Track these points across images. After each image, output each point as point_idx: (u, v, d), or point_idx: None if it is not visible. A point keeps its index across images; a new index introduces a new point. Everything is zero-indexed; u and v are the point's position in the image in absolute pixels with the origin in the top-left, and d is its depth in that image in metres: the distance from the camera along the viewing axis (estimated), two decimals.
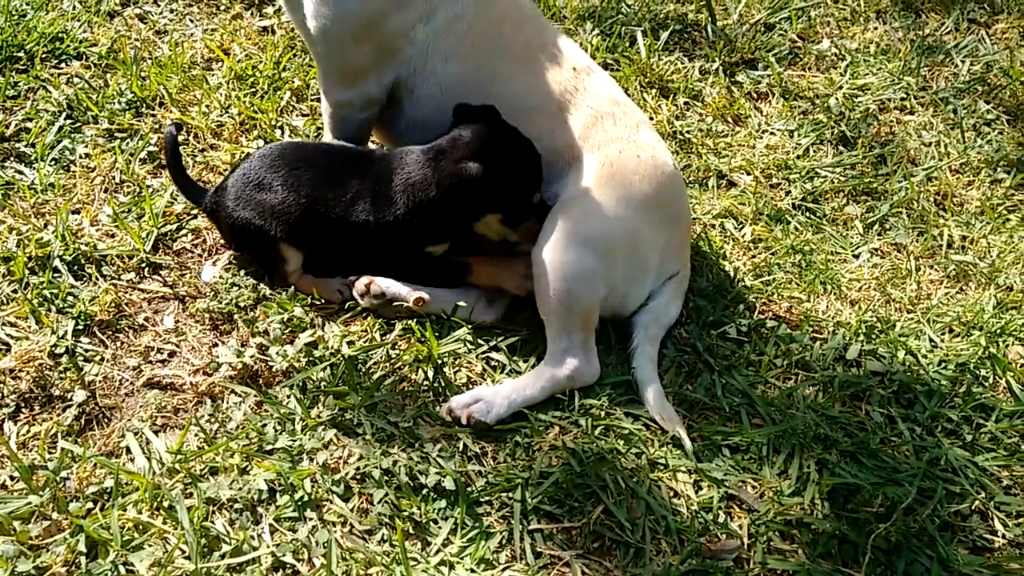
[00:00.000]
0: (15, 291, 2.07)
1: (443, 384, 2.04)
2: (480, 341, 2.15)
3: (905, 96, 3.19)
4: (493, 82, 2.15)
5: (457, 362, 2.10)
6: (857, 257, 2.58)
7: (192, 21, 3.05)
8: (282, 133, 2.66)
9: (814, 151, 2.93)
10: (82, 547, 1.64)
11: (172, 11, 3.08)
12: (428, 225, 2.07)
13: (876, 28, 3.53)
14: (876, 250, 2.61)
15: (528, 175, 2.07)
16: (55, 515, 1.69)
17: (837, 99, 3.11)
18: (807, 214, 2.70)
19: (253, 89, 2.78)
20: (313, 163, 2.12)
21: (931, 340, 2.33)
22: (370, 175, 2.09)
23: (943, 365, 2.26)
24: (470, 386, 2.05)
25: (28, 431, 1.84)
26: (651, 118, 2.91)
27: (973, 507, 1.95)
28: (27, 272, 2.11)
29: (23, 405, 1.88)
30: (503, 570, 1.73)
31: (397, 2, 2.08)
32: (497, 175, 2.00)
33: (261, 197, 2.09)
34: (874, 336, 2.31)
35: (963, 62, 3.38)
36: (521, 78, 2.16)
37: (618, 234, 2.07)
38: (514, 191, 2.06)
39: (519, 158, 2.05)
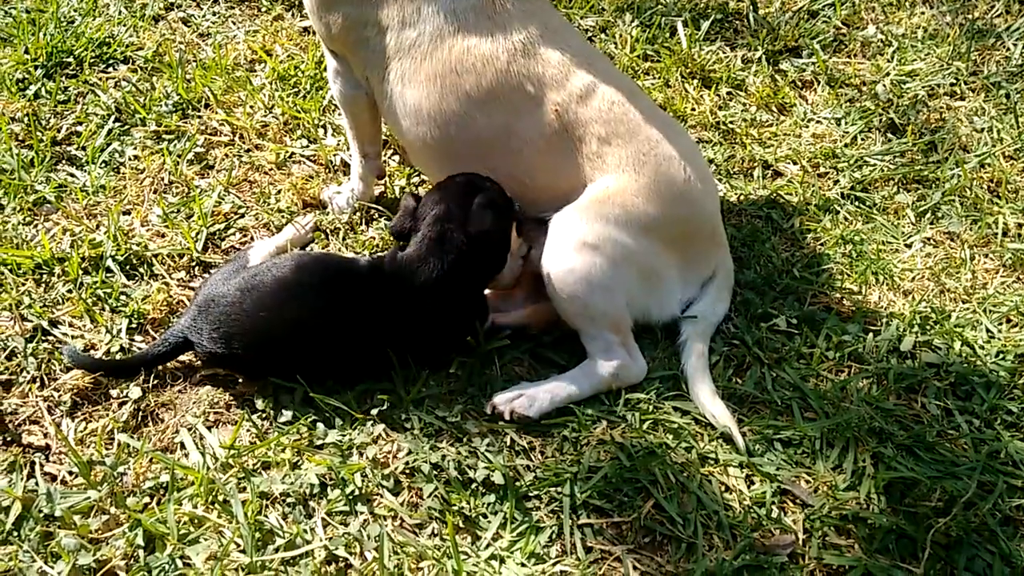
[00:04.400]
0: (70, 291, 2.12)
1: (489, 379, 2.04)
2: (526, 336, 2.14)
3: (955, 81, 3.12)
4: (460, 124, 2.07)
5: (503, 358, 2.09)
6: (909, 247, 2.52)
7: (234, 23, 3.09)
8: (325, 132, 2.68)
9: (862, 139, 2.87)
10: (140, 541, 1.67)
11: (215, 14, 3.12)
12: (490, 268, 2.06)
13: (923, 12, 3.45)
14: (929, 239, 2.55)
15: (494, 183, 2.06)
16: (113, 509, 1.72)
17: (885, 86, 3.05)
18: (856, 203, 2.64)
19: (296, 89, 2.81)
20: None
21: (988, 330, 2.27)
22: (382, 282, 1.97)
23: (1001, 356, 2.20)
24: (516, 381, 2.04)
25: (86, 428, 1.88)
26: (693, 109, 2.88)
27: None
28: (81, 272, 2.16)
29: (80, 402, 1.92)
30: (554, 564, 1.73)
31: None
32: (499, 196, 2.01)
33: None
34: (929, 327, 2.26)
35: (1015, 45, 3.28)
36: (492, 120, 2.06)
37: (620, 248, 1.99)
38: (508, 199, 2.05)
39: (482, 178, 2.05)
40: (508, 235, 2.04)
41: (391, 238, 2.33)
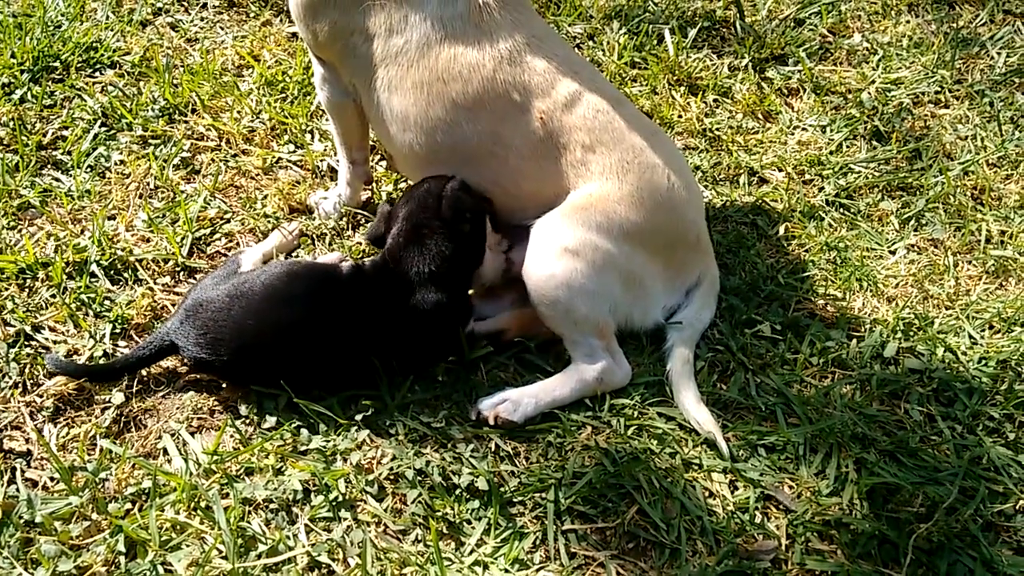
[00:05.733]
0: (54, 296, 2.11)
1: (474, 385, 2.04)
2: (511, 343, 2.14)
3: (939, 89, 3.14)
4: (446, 131, 2.07)
5: (488, 363, 2.09)
6: (893, 253, 2.54)
7: (222, 28, 3.09)
8: (312, 137, 2.68)
9: (847, 146, 2.89)
10: (121, 547, 1.66)
11: (203, 19, 3.12)
12: (469, 255, 2.06)
13: (908, 21, 3.47)
14: (913, 246, 2.57)
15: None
16: (95, 515, 1.71)
17: (870, 94, 3.07)
18: (841, 210, 2.66)
19: (283, 95, 2.81)
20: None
21: (971, 337, 2.28)
22: (362, 290, 1.98)
23: (983, 362, 2.21)
24: (502, 387, 2.04)
25: (68, 433, 1.87)
26: (679, 116, 2.90)
27: (1017, 507, 1.91)
28: (65, 277, 2.15)
29: (63, 407, 1.91)
30: (537, 570, 1.73)
31: (336, 0, 2.08)
32: (463, 189, 2.04)
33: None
34: (912, 333, 2.27)
35: (999, 54, 3.32)
36: (478, 127, 2.06)
37: (601, 254, 2.00)
38: (478, 196, 2.07)
39: (449, 176, 2.07)
40: (482, 219, 2.05)
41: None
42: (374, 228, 2.08)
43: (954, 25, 3.45)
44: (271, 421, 1.91)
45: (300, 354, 1.91)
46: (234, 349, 1.88)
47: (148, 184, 2.46)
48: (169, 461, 1.84)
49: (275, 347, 1.90)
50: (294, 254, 2.31)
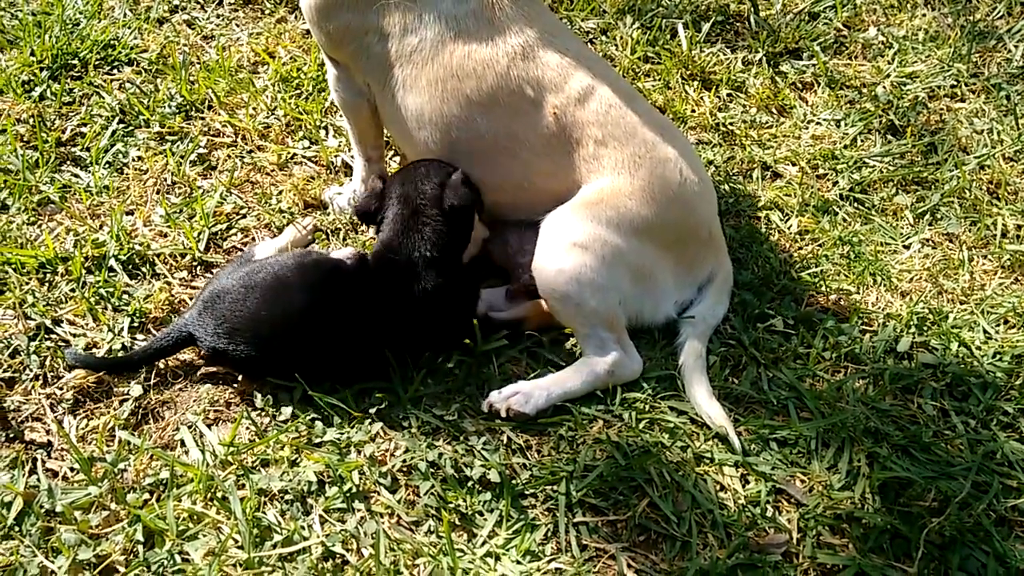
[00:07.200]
0: (73, 290, 2.14)
1: (487, 378, 2.06)
2: (523, 336, 2.15)
3: (955, 83, 3.12)
4: (461, 127, 2.09)
5: (500, 357, 2.10)
6: (908, 248, 2.53)
7: (238, 26, 3.12)
8: (326, 133, 2.70)
9: (861, 141, 2.88)
10: (139, 536, 1.69)
11: (219, 16, 3.15)
12: (459, 242, 2.09)
13: (924, 14, 3.45)
14: (927, 240, 2.56)
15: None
16: (114, 505, 1.74)
17: (885, 87, 3.05)
18: (855, 205, 2.65)
19: (298, 91, 2.83)
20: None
21: (985, 331, 2.27)
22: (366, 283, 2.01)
23: (998, 357, 2.20)
24: (514, 380, 2.05)
25: (87, 424, 1.90)
26: (693, 111, 2.89)
27: None
28: (84, 272, 2.18)
29: (82, 399, 1.95)
30: (549, 562, 1.74)
31: (350, 2, 2.10)
32: (466, 181, 2.07)
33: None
34: (926, 328, 2.26)
35: (1016, 47, 3.29)
36: (492, 123, 2.08)
37: (610, 249, 2.01)
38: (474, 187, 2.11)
39: (445, 162, 2.12)
40: (476, 211, 2.10)
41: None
42: (365, 203, 2.11)
43: (971, 18, 3.43)
44: (286, 413, 1.93)
45: (312, 343, 1.92)
46: (249, 339, 1.90)
47: (165, 180, 2.49)
48: (186, 452, 1.86)
49: (288, 336, 1.92)
50: (308, 248, 2.33)
